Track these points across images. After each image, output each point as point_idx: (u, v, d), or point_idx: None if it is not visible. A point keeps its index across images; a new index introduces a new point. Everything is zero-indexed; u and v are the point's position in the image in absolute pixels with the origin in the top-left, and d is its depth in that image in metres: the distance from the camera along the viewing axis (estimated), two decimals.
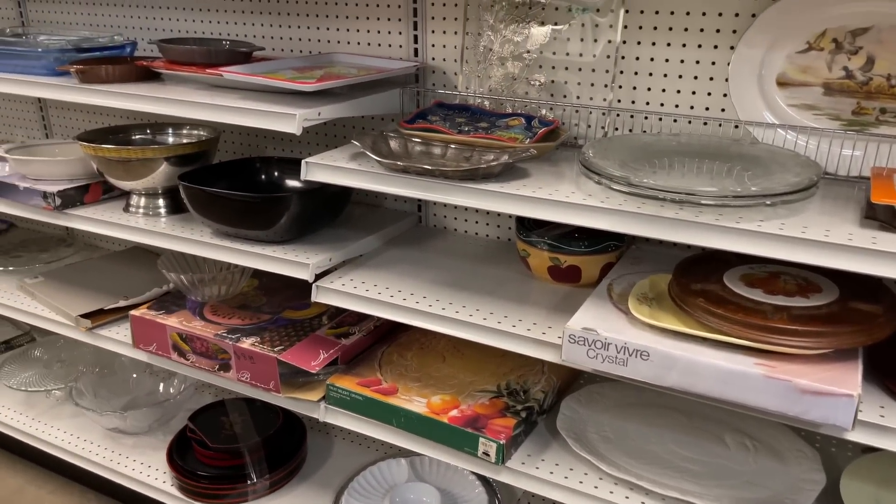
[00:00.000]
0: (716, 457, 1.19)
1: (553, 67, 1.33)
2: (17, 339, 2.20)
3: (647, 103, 1.28)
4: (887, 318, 0.94)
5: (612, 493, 1.12)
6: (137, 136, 1.65)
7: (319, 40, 1.56)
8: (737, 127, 1.19)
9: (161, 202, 1.53)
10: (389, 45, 1.48)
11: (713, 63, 1.20)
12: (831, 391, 0.87)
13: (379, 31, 1.48)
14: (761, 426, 1.25)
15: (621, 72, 1.28)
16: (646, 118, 1.27)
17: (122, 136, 1.62)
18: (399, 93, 1.39)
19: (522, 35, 1.32)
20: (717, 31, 1.19)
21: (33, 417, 1.94)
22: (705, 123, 1.23)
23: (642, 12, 1.23)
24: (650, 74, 1.26)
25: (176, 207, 1.53)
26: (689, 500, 1.06)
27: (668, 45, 1.23)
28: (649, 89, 1.27)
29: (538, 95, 1.34)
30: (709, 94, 1.22)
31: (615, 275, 1.19)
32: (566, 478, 1.16)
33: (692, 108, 1.24)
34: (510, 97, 1.35)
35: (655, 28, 1.23)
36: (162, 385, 1.97)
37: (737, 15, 1.16)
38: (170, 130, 1.67)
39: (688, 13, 1.20)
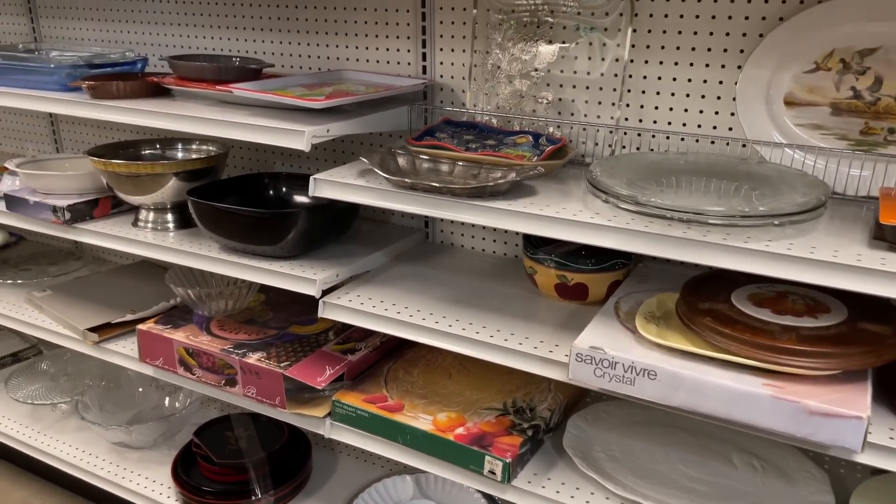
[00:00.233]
0: (723, 477, 1.18)
1: (561, 85, 1.34)
2: (24, 351, 2.21)
3: (655, 122, 1.28)
4: None
5: None
6: (147, 151, 1.66)
7: (329, 57, 1.57)
8: (744, 146, 1.20)
9: (169, 217, 1.54)
10: (398, 63, 1.49)
11: (720, 82, 1.21)
12: (840, 413, 0.87)
13: (388, 49, 1.49)
14: (769, 446, 1.24)
15: (629, 90, 1.28)
16: (653, 136, 1.28)
17: (131, 151, 1.64)
18: (407, 110, 1.40)
19: (530, 53, 1.33)
20: (725, 50, 1.19)
21: (39, 431, 1.94)
22: (713, 142, 1.23)
23: (650, 31, 1.24)
24: (657, 93, 1.26)
25: (184, 222, 1.54)
26: None
27: (676, 64, 1.23)
28: (657, 108, 1.27)
29: (546, 113, 1.35)
30: (716, 112, 1.23)
31: (622, 293, 1.19)
32: (572, 497, 1.15)
33: (699, 126, 1.24)
34: (518, 115, 1.36)
35: (663, 47, 1.24)
36: (168, 399, 1.97)
37: (744, 35, 1.17)
38: (179, 145, 1.68)
39: (695, 33, 1.20)
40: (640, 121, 1.29)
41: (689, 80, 1.23)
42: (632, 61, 1.27)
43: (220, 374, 1.42)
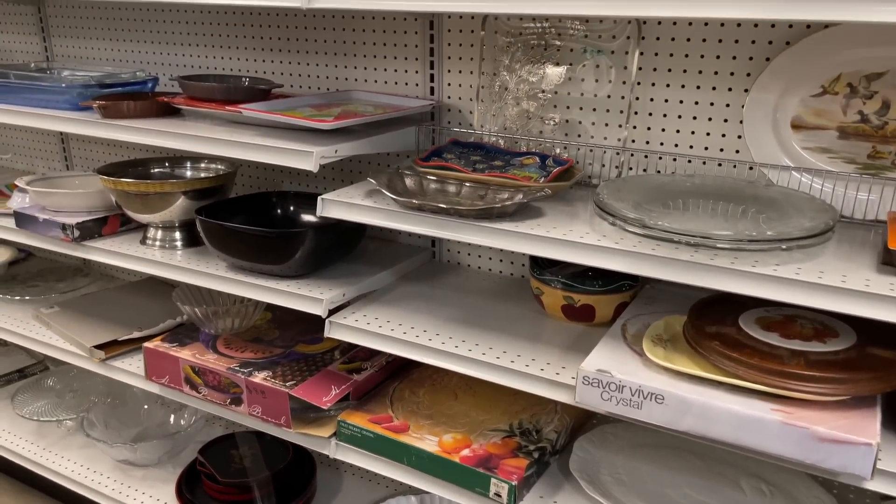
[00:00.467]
0: (731, 502, 1.17)
1: (568, 107, 1.34)
2: (31, 367, 2.21)
3: (662, 144, 1.28)
4: None
5: None
6: (156, 170, 1.67)
7: (337, 78, 1.59)
8: (751, 168, 1.20)
9: (177, 235, 1.54)
10: (406, 84, 1.50)
11: (727, 105, 1.21)
12: (850, 439, 0.86)
13: (396, 70, 1.51)
14: (778, 471, 1.23)
15: (636, 112, 1.29)
16: (660, 158, 1.28)
17: (140, 170, 1.65)
18: (415, 130, 1.41)
19: (538, 75, 1.34)
20: (731, 73, 1.20)
21: (44, 447, 1.94)
22: (720, 164, 1.23)
23: (657, 55, 1.25)
24: (664, 115, 1.27)
25: (192, 240, 1.55)
26: None
27: (683, 86, 1.24)
28: (663, 130, 1.27)
29: (553, 134, 1.35)
30: (723, 135, 1.23)
31: (629, 315, 1.18)
32: None
33: (706, 149, 1.25)
34: (525, 136, 1.36)
35: (670, 70, 1.24)
36: (173, 416, 1.97)
37: (751, 59, 1.17)
38: (188, 164, 1.69)
39: (702, 56, 1.21)
40: (647, 142, 1.29)
41: (696, 103, 1.23)
42: (639, 83, 1.27)
43: (226, 392, 1.42)
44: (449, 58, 1.44)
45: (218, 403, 1.43)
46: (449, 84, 1.45)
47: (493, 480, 1.16)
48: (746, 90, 1.19)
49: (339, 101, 1.46)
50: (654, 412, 0.96)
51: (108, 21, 1.89)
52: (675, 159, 1.27)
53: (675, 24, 1.22)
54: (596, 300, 1.23)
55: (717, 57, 1.20)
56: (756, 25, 1.16)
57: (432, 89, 1.47)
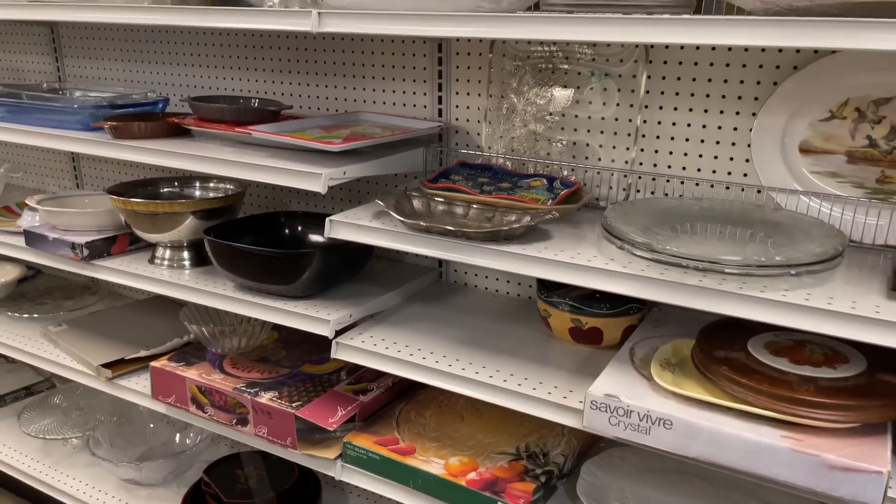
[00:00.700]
0: None
1: (575, 129, 1.35)
2: (38, 385, 2.22)
3: (669, 166, 1.28)
4: None
5: None
6: (165, 190, 1.68)
7: (346, 99, 1.60)
8: (759, 192, 1.20)
9: (186, 255, 1.55)
10: (414, 105, 1.51)
11: (735, 128, 1.21)
12: (860, 467, 0.85)
13: (405, 92, 1.52)
14: (788, 498, 1.21)
15: (643, 135, 1.29)
16: (667, 181, 1.28)
17: (150, 189, 1.66)
18: (423, 152, 1.41)
19: (545, 98, 1.34)
20: (739, 97, 1.20)
21: (50, 465, 1.93)
22: (727, 188, 1.23)
23: (664, 78, 1.25)
24: (672, 138, 1.27)
25: (200, 260, 1.55)
26: None
27: (690, 109, 1.24)
28: (671, 153, 1.28)
29: (560, 156, 1.36)
30: (731, 158, 1.23)
31: (637, 338, 1.18)
32: None
33: (714, 172, 1.25)
34: (532, 158, 1.37)
35: (677, 93, 1.25)
36: (178, 435, 1.96)
37: (758, 83, 1.18)
38: (197, 184, 1.70)
39: (709, 80, 1.21)
40: (655, 165, 1.30)
41: (704, 126, 1.24)
42: (646, 106, 1.28)
43: (232, 412, 1.41)
44: (457, 80, 1.45)
45: (224, 424, 1.43)
46: (457, 106, 1.46)
47: None
48: (754, 114, 1.19)
49: (348, 123, 1.47)
50: (662, 438, 0.96)
51: (119, 42, 1.91)
52: (682, 182, 1.27)
53: (682, 48, 1.22)
54: (604, 323, 1.23)
55: (725, 81, 1.20)
56: (763, 50, 1.16)
57: (440, 111, 1.48)
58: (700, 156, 1.25)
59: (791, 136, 1.15)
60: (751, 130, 1.19)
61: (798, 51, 1.14)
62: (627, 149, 1.31)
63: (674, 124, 1.26)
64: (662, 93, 1.26)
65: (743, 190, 1.22)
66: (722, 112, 1.22)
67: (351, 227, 1.20)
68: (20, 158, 2.28)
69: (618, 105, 1.30)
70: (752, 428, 0.91)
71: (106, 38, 1.93)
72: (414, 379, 1.20)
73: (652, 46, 1.24)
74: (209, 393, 1.44)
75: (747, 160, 1.21)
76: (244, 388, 1.41)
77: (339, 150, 1.25)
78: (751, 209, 1.15)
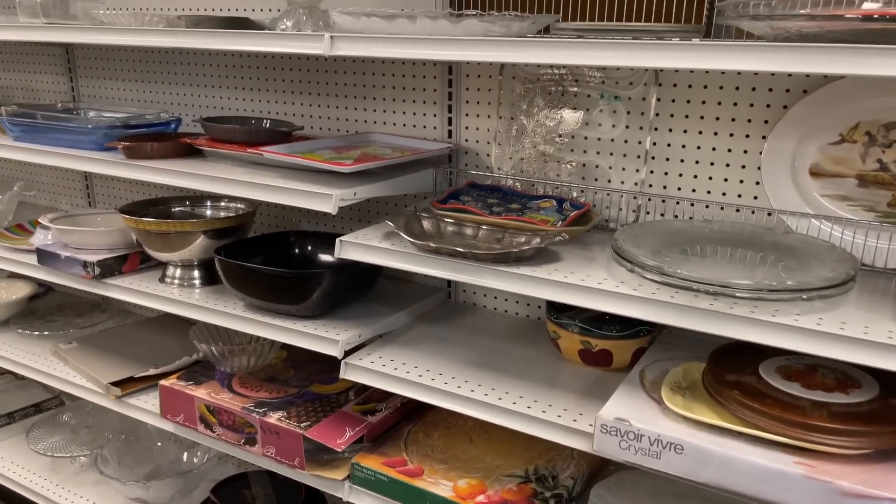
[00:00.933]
0: None
1: (585, 151, 1.35)
2: (47, 402, 2.22)
3: (679, 188, 1.29)
4: None
5: None
6: (177, 209, 1.69)
7: (357, 120, 1.61)
8: (769, 215, 1.19)
9: (196, 273, 1.56)
10: (424, 126, 1.52)
11: (745, 151, 1.22)
12: (874, 494, 0.84)
13: (415, 113, 1.53)
14: None
15: (653, 157, 1.30)
16: (677, 203, 1.28)
17: (162, 209, 1.67)
18: (432, 172, 1.42)
19: (555, 120, 1.35)
20: (749, 120, 1.20)
21: (57, 484, 1.93)
22: (737, 210, 1.23)
23: (674, 101, 1.26)
24: (682, 160, 1.27)
25: (210, 279, 1.56)
26: None
27: (700, 132, 1.25)
28: (681, 175, 1.28)
29: (570, 178, 1.36)
30: (741, 181, 1.23)
31: (647, 361, 1.17)
32: None
33: (724, 194, 1.25)
34: (542, 179, 1.37)
35: (687, 116, 1.25)
36: (186, 454, 1.96)
37: (768, 106, 1.18)
38: (208, 203, 1.72)
39: (719, 103, 1.22)
40: (665, 187, 1.30)
41: (714, 149, 1.24)
42: (656, 129, 1.28)
43: (241, 432, 1.41)
44: (467, 102, 1.46)
45: (232, 443, 1.43)
46: (466, 127, 1.47)
47: None
48: (764, 137, 1.19)
49: (359, 144, 1.48)
50: (673, 462, 0.95)
51: (133, 63, 1.94)
52: (692, 204, 1.27)
53: (691, 71, 1.23)
54: (613, 345, 1.22)
55: (735, 104, 1.21)
56: (773, 74, 1.17)
57: (450, 132, 1.49)
58: (710, 178, 1.25)
59: (801, 159, 1.15)
60: (760, 153, 1.19)
61: (808, 74, 1.14)
62: (637, 170, 1.31)
63: (683, 146, 1.27)
64: (672, 115, 1.26)
65: (753, 212, 1.22)
66: (732, 135, 1.22)
67: (361, 247, 1.21)
68: (33, 176, 2.30)
69: (627, 127, 1.30)
70: (764, 453, 0.91)
71: (120, 58, 1.96)
72: (423, 401, 1.19)
73: (661, 69, 1.25)
74: (218, 412, 1.44)
75: (757, 183, 1.21)
76: (253, 408, 1.41)
77: (350, 172, 1.26)
78: (761, 232, 1.14)
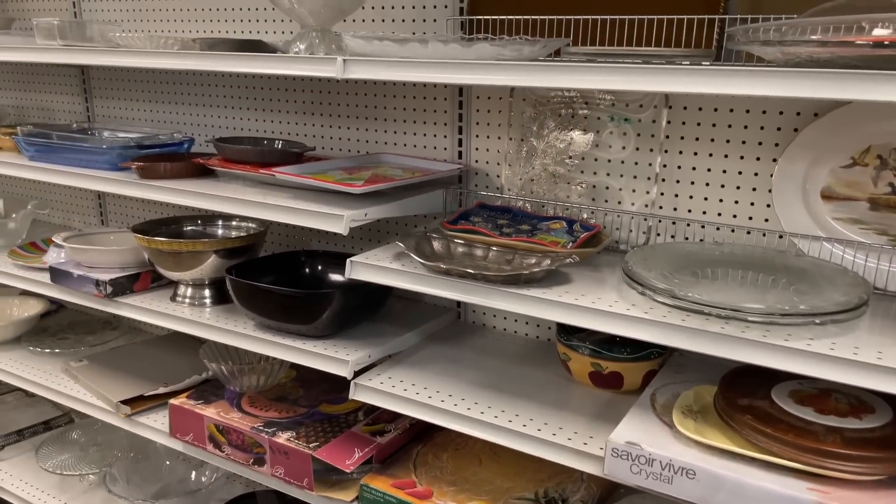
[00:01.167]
0: None
1: (595, 172, 1.36)
2: (57, 419, 2.22)
3: (689, 211, 1.29)
4: None
5: None
6: (189, 228, 1.71)
7: (368, 141, 1.62)
8: (781, 237, 1.19)
9: (207, 293, 1.56)
10: (435, 147, 1.53)
11: (756, 174, 1.22)
12: None
13: (426, 134, 1.54)
14: None
15: (663, 179, 1.30)
16: (688, 225, 1.28)
17: (174, 228, 1.68)
18: (443, 193, 1.43)
19: (565, 141, 1.36)
20: (759, 143, 1.20)
21: (66, 502, 1.93)
22: (748, 233, 1.23)
23: (684, 123, 1.26)
24: (692, 183, 1.27)
25: (221, 298, 1.56)
26: None
27: (710, 155, 1.25)
28: (691, 197, 1.28)
29: (580, 199, 1.36)
30: (751, 203, 1.23)
31: (658, 384, 1.17)
32: None
33: (735, 217, 1.25)
34: (552, 200, 1.38)
35: (697, 139, 1.25)
36: (194, 473, 1.96)
37: (779, 129, 1.18)
38: (220, 222, 1.73)
39: (729, 126, 1.22)
40: (675, 209, 1.30)
41: (724, 171, 1.24)
42: (666, 151, 1.29)
43: (249, 452, 1.41)
44: (477, 123, 1.47)
45: (241, 463, 1.42)
46: (477, 148, 1.48)
47: None
48: (775, 160, 1.19)
49: (370, 165, 1.49)
50: (685, 488, 0.94)
51: (147, 84, 1.96)
52: (703, 226, 1.27)
53: (702, 94, 1.23)
54: (624, 367, 1.22)
55: (745, 126, 1.21)
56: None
57: (460, 153, 1.50)
58: (720, 200, 1.25)
59: (812, 182, 1.15)
60: (771, 176, 1.19)
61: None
62: (647, 192, 1.31)
63: (694, 168, 1.27)
64: (682, 137, 1.27)
65: (764, 235, 1.21)
66: (742, 157, 1.22)
67: (371, 268, 1.21)
68: (47, 195, 2.32)
69: (637, 148, 1.31)
70: (777, 479, 0.90)
71: (134, 79, 1.99)
72: (433, 422, 1.19)
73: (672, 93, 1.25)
74: (227, 432, 1.44)
75: (768, 205, 1.21)
76: (262, 428, 1.41)
77: (361, 193, 1.27)
78: (772, 255, 1.14)
